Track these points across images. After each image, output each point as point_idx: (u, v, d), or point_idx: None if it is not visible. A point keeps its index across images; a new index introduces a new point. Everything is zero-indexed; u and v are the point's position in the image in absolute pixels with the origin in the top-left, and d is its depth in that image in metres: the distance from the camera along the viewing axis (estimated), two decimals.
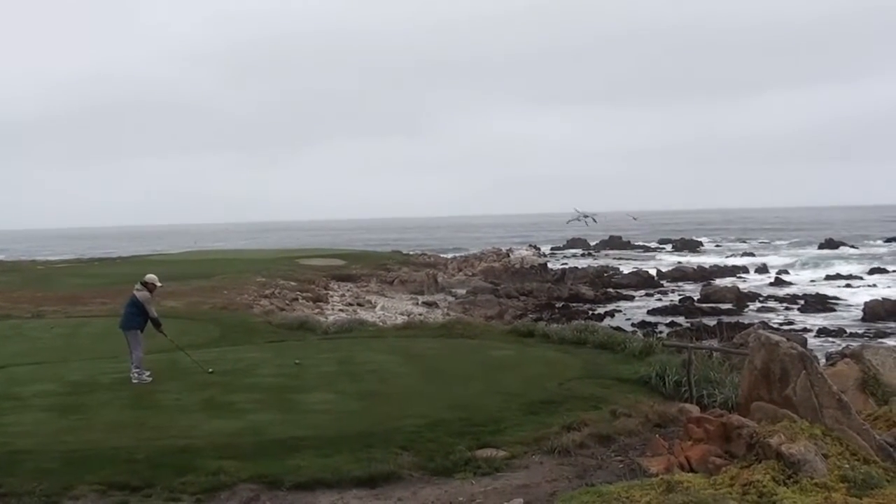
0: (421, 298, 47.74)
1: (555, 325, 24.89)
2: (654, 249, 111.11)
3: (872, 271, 67.91)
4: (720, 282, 61.35)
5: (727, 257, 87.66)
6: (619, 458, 10.88)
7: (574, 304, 50.60)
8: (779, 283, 61.40)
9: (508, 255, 79.04)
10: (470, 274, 63.60)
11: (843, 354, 15.24)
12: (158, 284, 17.12)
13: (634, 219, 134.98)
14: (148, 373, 16.30)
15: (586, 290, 55.84)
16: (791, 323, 42.54)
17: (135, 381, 15.99)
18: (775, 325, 39.81)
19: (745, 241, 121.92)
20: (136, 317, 16.55)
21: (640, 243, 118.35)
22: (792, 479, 8.33)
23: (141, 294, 16.62)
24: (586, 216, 76.14)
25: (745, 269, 71.24)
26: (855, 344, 27.78)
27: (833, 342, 35.76)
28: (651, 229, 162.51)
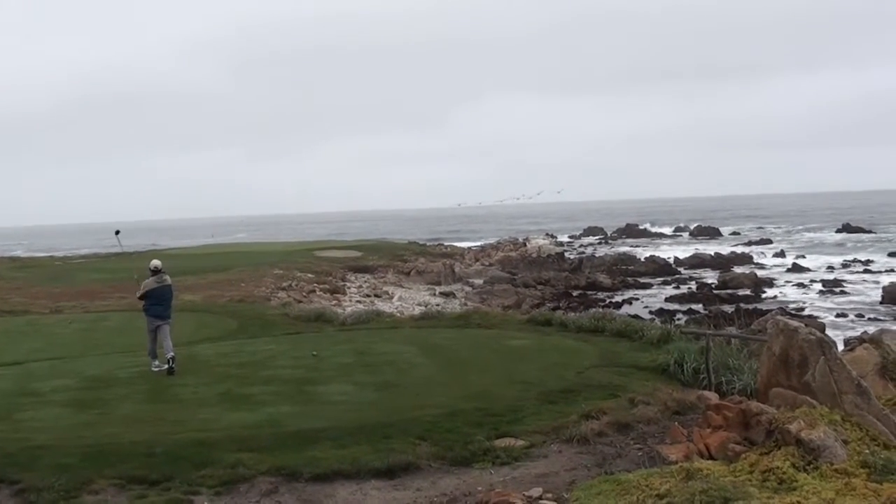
0: (438, 289, 47.74)
1: (572, 314, 24.88)
2: (671, 237, 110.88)
3: (891, 255, 67.57)
4: (738, 269, 61.20)
5: (744, 245, 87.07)
6: (638, 446, 10.85)
7: (591, 293, 50.60)
8: (796, 269, 61.13)
9: (525, 245, 78.96)
10: (487, 264, 63.58)
11: (861, 339, 15.13)
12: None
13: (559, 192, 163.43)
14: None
15: (603, 279, 55.76)
16: (809, 308, 42.33)
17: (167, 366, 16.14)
18: (793, 311, 39.58)
19: (761, 228, 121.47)
20: None
21: (657, 231, 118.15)
22: (812, 466, 8.29)
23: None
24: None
25: (762, 256, 71.00)
26: (874, 328, 27.60)
27: (852, 327, 35.56)
28: (655, 216, 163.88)
